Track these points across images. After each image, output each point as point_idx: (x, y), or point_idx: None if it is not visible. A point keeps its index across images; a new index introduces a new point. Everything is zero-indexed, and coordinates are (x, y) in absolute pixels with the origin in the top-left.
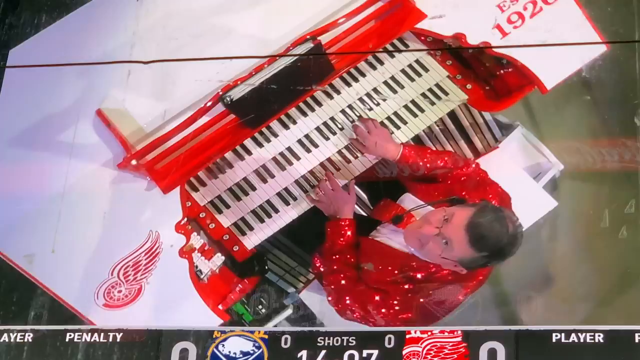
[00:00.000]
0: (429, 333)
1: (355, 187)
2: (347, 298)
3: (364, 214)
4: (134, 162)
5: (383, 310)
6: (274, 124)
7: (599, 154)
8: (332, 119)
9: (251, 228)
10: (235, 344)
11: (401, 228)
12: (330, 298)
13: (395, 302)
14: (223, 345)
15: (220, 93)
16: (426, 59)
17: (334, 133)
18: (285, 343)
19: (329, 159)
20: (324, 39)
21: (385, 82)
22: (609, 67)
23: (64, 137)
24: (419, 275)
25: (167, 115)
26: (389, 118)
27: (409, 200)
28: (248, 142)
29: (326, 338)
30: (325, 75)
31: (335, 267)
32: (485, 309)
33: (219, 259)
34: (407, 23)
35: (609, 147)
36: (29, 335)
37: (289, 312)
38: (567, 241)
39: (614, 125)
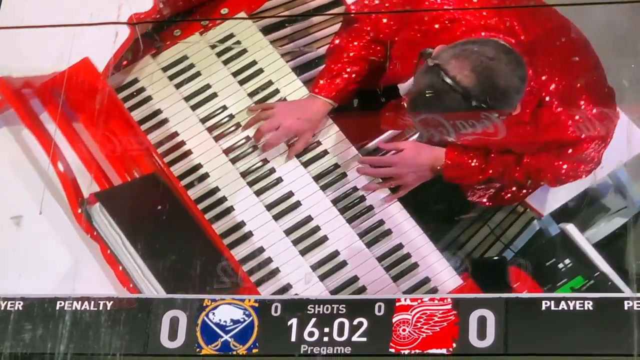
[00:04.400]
0: (419, 301)
1: None
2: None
3: None
4: None
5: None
6: None
7: None
8: None
9: None
10: (226, 313)
11: None
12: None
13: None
14: (213, 314)
15: None
16: None
17: None
18: (276, 311)
19: None
20: None
21: None
22: None
23: None
24: None
25: None
26: None
27: None
28: None
29: (316, 306)
30: None
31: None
32: None
33: None
34: None
35: None
36: (19, 304)
37: None
38: None
39: None
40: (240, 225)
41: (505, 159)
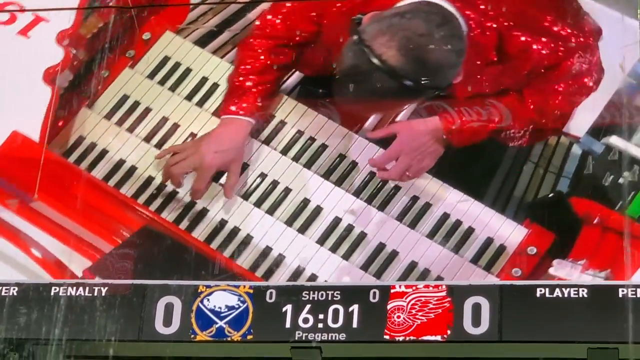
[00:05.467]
0: (414, 288)
1: None
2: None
3: None
4: None
5: None
6: None
7: None
8: None
9: None
10: (221, 299)
11: None
12: None
13: None
14: (208, 300)
15: None
16: None
17: None
18: (270, 297)
19: None
20: None
21: None
22: None
23: None
24: None
25: None
26: None
27: None
28: None
29: (311, 292)
30: None
31: None
32: None
33: None
34: None
35: None
36: (13, 289)
37: None
38: None
39: None
40: (266, 252)
41: (508, 101)
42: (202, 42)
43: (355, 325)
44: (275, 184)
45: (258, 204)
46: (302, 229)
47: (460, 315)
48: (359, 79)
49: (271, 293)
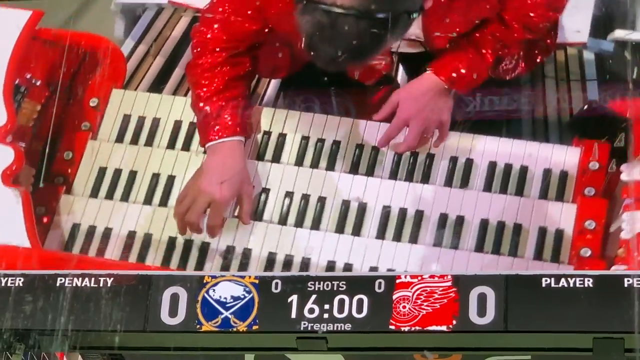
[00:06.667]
0: (419, 278)
1: None
2: None
3: None
4: None
5: None
6: None
7: None
8: None
9: None
10: (226, 289)
11: None
12: None
13: None
14: (214, 290)
15: None
16: None
17: None
18: (276, 288)
19: None
20: None
21: None
22: None
23: None
24: None
25: None
26: None
27: None
28: None
29: (316, 283)
30: None
31: None
32: None
33: None
34: None
35: None
36: (19, 280)
37: None
38: None
39: None
40: (330, 267)
41: (492, 30)
42: (156, 87)
43: (360, 315)
44: (306, 197)
45: (298, 224)
46: (356, 231)
47: (466, 305)
48: (329, 36)
49: (277, 283)
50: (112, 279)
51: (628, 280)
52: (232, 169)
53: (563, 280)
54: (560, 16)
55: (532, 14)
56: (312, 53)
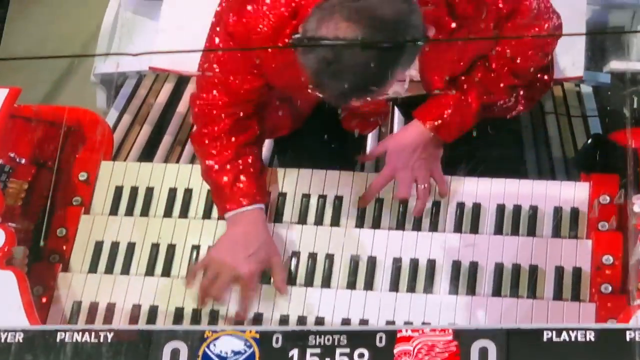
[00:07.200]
0: (420, 332)
1: None
2: None
3: None
4: None
5: None
6: None
7: None
8: None
9: None
10: (227, 344)
11: None
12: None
13: None
14: (214, 345)
15: None
16: None
17: None
18: (277, 342)
19: None
20: None
21: None
22: None
23: None
24: None
25: None
26: None
27: None
28: None
29: (317, 337)
30: None
31: None
32: None
33: None
34: None
35: None
36: (19, 335)
37: None
38: None
39: None
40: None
41: (478, 75)
42: (146, 156)
43: None
44: (313, 256)
45: (308, 283)
46: (368, 285)
47: (467, 359)
48: (336, 70)
49: (277, 338)
50: (112, 333)
51: (630, 334)
52: (257, 241)
53: (564, 334)
54: (549, 59)
55: (518, 60)
56: (320, 90)
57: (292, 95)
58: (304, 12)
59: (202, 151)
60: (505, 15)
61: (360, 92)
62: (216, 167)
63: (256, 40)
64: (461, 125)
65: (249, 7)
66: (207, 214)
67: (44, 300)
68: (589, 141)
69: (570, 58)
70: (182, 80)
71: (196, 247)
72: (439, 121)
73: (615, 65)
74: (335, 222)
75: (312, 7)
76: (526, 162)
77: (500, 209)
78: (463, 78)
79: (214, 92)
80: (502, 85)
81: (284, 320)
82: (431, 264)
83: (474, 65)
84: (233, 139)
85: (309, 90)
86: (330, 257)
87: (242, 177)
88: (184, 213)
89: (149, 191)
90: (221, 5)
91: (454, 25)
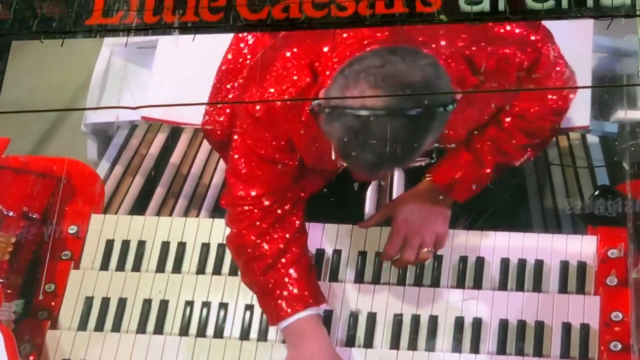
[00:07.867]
0: None
1: None
2: None
3: None
4: None
5: None
6: None
7: None
8: None
9: None
10: None
11: None
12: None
13: None
14: None
15: None
16: None
17: None
18: None
19: None
20: None
21: None
22: None
23: None
24: None
25: None
26: None
27: None
28: None
29: None
30: None
31: None
32: None
33: None
34: None
35: None
36: None
37: None
38: None
39: None
40: None
41: (491, 136)
42: (138, 209)
43: None
44: None
45: None
46: (367, 343)
47: None
48: (363, 141)
49: None
50: None
51: None
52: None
53: None
54: (563, 118)
55: (533, 120)
56: (347, 162)
57: (318, 166)
58: (323, 76)
59: (243, 254)
60: (527, 67)
61: (391, 164)
62: (260, 268)
63: (282, 115)
64: (474, 186)
65: (272, 90)
66: (201, 269)
67: (31, 358)
68: (596, 193)
69: (574, 108)
70: (175, 131)
71: (190, 303)
72: (452, 182)
73: (622, 115)
74: (333, 278)
75: (330, 69)
76: (531, 215)
77: (505, 263)
78: (476, 140)
79: (250, 165)
80: (515, 145)
81: None
82: (433, 320)
83: (487, 126)
84: (276, 236)
85: (338, 165)
86: (327, 313)
87: (288, 268)
88: (177, 268)
89: (141, 245)
90: (224, 88)
91: (476, 80)
